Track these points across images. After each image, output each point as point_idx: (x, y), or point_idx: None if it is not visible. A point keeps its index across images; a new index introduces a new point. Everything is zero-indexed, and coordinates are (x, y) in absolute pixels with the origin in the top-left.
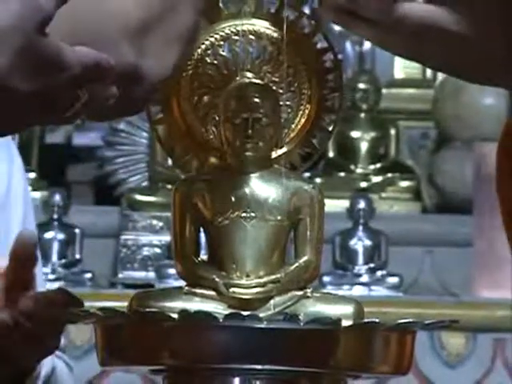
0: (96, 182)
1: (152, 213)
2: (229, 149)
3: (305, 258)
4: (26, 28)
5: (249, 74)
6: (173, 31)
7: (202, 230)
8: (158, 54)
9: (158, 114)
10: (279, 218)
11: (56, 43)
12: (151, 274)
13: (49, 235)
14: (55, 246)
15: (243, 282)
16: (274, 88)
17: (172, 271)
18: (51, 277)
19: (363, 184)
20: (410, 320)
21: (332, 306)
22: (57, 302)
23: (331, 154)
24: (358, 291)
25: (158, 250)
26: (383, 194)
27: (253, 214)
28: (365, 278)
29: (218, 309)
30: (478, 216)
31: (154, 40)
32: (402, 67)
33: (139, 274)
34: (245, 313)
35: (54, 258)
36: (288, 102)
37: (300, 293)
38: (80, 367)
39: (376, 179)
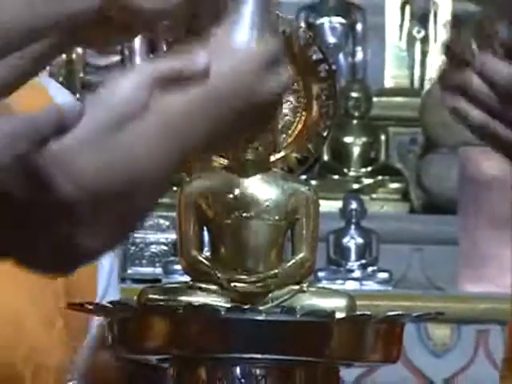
0: None
1: (159, 212)
2: (230, 153)
3: (301, 255)
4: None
5: None
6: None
7: (205, 228)
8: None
9: None
10: (277, 217)
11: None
12: (158, 270)
13: None
14: None
15: (244, 277)
16: None
17: (178, 267)
18: None
19: (355, 186)
20: (399, 312)
21: (326, 299)
22: None
23: (326, 158)
24: (350, 286)
25: (164, 248)
26: (374, 195)
27: (253, 214)
28: (357, 274)
29: (221, 302)
30: (462, 216)
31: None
32: (392, 77)
33: (147, 270)
34: (245, 306)
35: None
36: (285, 110)
37: (296, 287)
38: None
39: (367, 181)
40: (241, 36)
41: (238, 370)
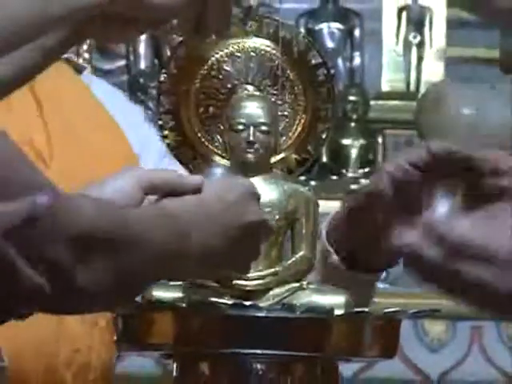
0: None
1: None
2: (232, 154)
3: (301, 254)
4: None
5: (250, 87)
6: None
7: None
8: None
9: (169, 124)
10: (277, 217)
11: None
12: None
13: None
14: None
15: (246, 275)
16: (273, 100)
17: None
18: None
19: (353, 186)
20: (396, 309)
21: (325, 296)
22: None
23: (324, 160)
24: None
25: None
26: None
27: None
28: None
29: (223, 299)
30: None
31: None
32: (388, 81)
33: None
34: (247, 303)
35: None
36: (285, 112)
37: (296, 285)
38: None
39: (365, 182)
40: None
41: (239, 364)
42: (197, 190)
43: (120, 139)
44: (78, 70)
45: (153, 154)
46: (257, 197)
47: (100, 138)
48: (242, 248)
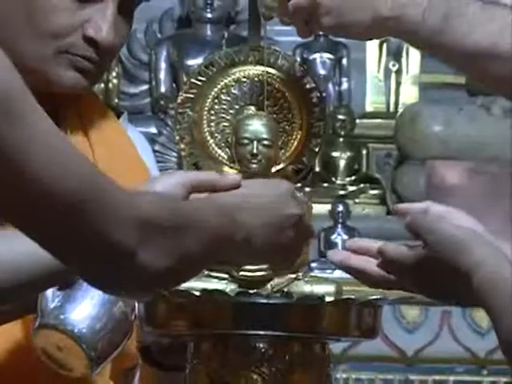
0: None
1: None
2: (239, 164)
3: None
4: None
5: (253, 108)
6: None
7: None
8: None
9: (185, 138)
10: None
11: None
12: None
13: None
14: None
15: (250, 267)
16: (273, 118)
17: None
18: None
19: (342, 192)
20: (378, 297)
21: (318, 285)
22: None
23: (317, 169)
24: (338, 274)
25: None
26: (357, 200)
27: None
28: None
29: (230, 288)
30: None
31: None
32: (371, 103)
33: None
34: (251, 291)
35: None
36: (284, 129)
37: (293, 276)
38: None
39: (351, 188)
40: None
41: (244, 343)
42: (235, 187)
43: (144, 173)
44: (118, 113)
45: None
46: (295, 195)
47: (132, 174)
48: (283, 239)
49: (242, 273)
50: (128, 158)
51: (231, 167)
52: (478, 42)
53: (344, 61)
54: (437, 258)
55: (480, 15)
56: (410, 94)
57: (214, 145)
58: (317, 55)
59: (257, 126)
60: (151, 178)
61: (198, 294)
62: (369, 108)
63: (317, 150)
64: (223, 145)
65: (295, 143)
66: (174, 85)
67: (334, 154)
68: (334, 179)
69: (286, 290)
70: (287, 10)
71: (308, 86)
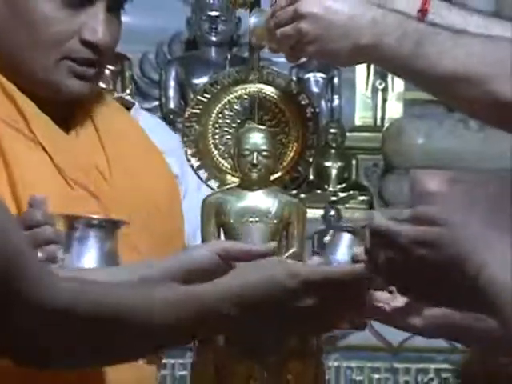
0: None
1: None
2: (240, 173)
3: (293, 250)
4: None
5: (254, 122)
6: None
7: (222, 229)
8: None
9: (192, 150)
10: (275, 221)
11: None
12: None
13: None
14: None
15: None
16: (272, 131)
17: None
18: None
19: (333, 198)
20: None
21: None
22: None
23: (311, 178)
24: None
25: None
26: (347, 205)
27: (257, 219)
28: None
29: None
30: None
31: None
32: (360, 117)
33: None
34: None
35: None
36: (281, 141)
37: None
38: None
39: (342, 195)
40: None
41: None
42: (264, 256)
43: (160, 162)
44: (127, 106)
45: (190, 173)
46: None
47: (145, 161)
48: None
49: None
50: (141, 150)
51: (233, 175)
52: (447, 67)
53: (335, 80)
54: (439, 260)
55: (449, 42)
56: (395, 110)
57: (218, 155)
58: (311, 74)
59: (257, 138)
60: (188, 247)
61: None
62: (358, 122)
63: (311, 160)
64: (226, 155)
65: (291, 154)
66: (182, 101)
67: (327, 163)
68: (326, 186)
69: None
70: (275, 38)
71: (303, 103)
